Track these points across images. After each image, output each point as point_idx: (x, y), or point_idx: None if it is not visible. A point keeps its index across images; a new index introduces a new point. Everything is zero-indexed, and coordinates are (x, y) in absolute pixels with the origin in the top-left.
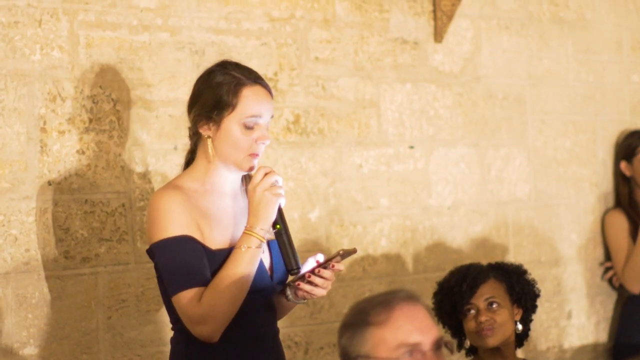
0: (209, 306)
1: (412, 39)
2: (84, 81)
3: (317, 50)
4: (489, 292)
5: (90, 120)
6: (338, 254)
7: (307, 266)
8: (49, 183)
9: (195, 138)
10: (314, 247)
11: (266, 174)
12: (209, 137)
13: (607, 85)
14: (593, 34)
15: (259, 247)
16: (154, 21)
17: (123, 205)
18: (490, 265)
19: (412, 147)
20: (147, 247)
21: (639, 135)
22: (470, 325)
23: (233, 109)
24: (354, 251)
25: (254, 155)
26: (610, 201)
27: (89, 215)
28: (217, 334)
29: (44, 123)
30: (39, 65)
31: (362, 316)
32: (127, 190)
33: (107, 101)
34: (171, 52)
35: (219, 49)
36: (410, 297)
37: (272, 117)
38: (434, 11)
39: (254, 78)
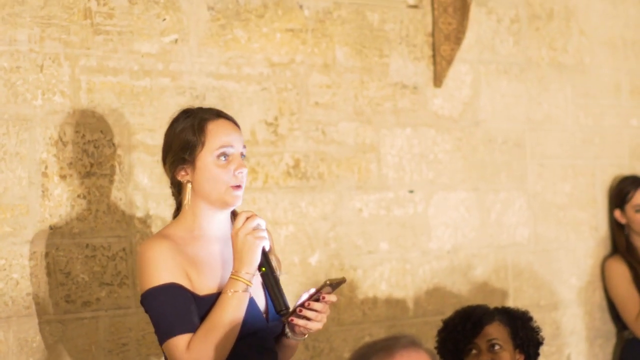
0: (197, 352)
1: (411, 84)
2: (85, 126)
3: (317, 95)
4: (493, 333)
5: (92, 165)
6: (325, 284)
7: (300, 301)
8: (50, 227)
9: (177, 188)
10: None
11: (247, 218)
12: (188, 182)
13: (606, 129)
14: (592, 78)
15: (246, 290)
16: (155, 66)
17: (124, 249)
18: (496, 309)
19: (411, 192)
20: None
21: (630, 181)
22: None
23: (203, 146)
24: (343, 280)
25: (235, 187)
26: (610, 245)
27: (89, 260)
28: None
29: (46, 167)
30: (41, 110)
31: None
32: (128, 235)
33: (108, 146)
34: (172, 97)
35: (219, 94)
36: (413, 343)
37: (244, 147)
38: (434, 56)
39: (216, 113)
